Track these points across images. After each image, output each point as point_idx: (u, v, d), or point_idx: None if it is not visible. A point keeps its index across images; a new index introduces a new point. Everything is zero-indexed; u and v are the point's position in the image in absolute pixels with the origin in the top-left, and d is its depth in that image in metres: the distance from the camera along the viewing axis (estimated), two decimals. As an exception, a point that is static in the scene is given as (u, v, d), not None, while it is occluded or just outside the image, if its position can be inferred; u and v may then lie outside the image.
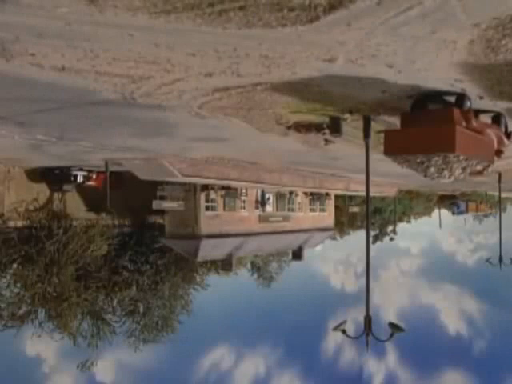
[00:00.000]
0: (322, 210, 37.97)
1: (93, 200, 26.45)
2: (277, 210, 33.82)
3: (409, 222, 70.14)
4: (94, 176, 24.89)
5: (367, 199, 9.26)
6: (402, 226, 67.79)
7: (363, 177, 8.88)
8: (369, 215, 9.52)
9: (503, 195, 22.69)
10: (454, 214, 69.34)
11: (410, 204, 60.52)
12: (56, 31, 4.96)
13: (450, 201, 65.50)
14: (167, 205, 26.75)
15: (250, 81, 6.67)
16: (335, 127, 9.18)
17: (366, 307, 8.61)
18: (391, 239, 65.38)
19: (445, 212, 72.25)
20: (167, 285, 30.16)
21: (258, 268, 41.74)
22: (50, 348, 31.65)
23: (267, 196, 32.72)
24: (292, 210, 35.03)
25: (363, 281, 8.87)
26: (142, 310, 29.32)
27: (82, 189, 25.96)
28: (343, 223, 48.85)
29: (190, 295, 32.72)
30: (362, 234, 43.42)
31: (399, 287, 75.09)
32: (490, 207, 74.75)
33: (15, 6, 4.39)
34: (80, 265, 24.97)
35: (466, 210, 69.60)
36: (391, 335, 8.59)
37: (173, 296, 31.14)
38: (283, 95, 7.41)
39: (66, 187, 24.78)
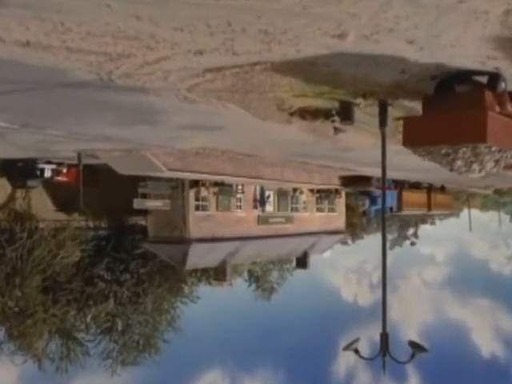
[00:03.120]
0: (331, 210, 38.04)
1: (63, 198, 26.47)
2: (278, 209, 33.86)
3: (433, 223, 70.32)
4: (65, 170, 24.87)
5: (383, 197, 9.33)
6: (424, 229, 68.06)
7: (379, 171, 8.93)
8: (385, 216, 9.57)
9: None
10: (365, 214, 42.44)
11: (434, 203, 60.60)
12: (20, 0, 4.98)
13: (358, 188, 36.88)
14: (151, 204, 26.79)
15: (246, 60, 6.70)
16: (346, 114, 9.23)
17: (382, 323, 8.66)
18: (412, 244, 65.61)
19: (475, 211, 71.47)
20: (150, 297, 30.20)
21: (257, 277, 41.80)
22: (11, 373, 31.54)
23: (267, 194, 32.75)
24: (296, 209, 35.09)
25: (379, 293, 8.93)
26: (120, 327, 29.35)
27: (50, 185, 25.96)
28: (356, 225, 48.92)
29: (178, 309, 32.79)
30: (377, 237, 43.51)
31: (422, 300, 75.27)
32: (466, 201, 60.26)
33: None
34: (47, 274, 24.97)
35: (399, 206, 39.55)
36: (412, 356, 8.65)
37: (157, 310, 31.19)
38: (286, 76, 7.45)
39: (30, 183, 24.75)
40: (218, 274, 31.72)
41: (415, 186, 40.52)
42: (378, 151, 8.81)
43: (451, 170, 7.82)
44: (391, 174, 27.29)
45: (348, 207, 41.21)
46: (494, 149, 7.28)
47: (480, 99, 7.09)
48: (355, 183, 33.98)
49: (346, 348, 8.90)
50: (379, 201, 35.08)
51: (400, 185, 38.28)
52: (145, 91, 8.35)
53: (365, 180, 32.93)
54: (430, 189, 42.75)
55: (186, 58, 6.62)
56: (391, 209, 37.91)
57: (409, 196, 40.07)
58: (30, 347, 24.89)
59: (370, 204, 37.83)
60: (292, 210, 34.93)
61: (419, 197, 42.26)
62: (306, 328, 50.06)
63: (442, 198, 45.39)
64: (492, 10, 5.20)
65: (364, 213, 41.72)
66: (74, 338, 27.60)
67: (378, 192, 34.67)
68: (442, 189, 45.07)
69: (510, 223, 79.64)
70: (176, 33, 5.77)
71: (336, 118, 9.77)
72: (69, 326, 27.33)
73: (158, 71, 7.24)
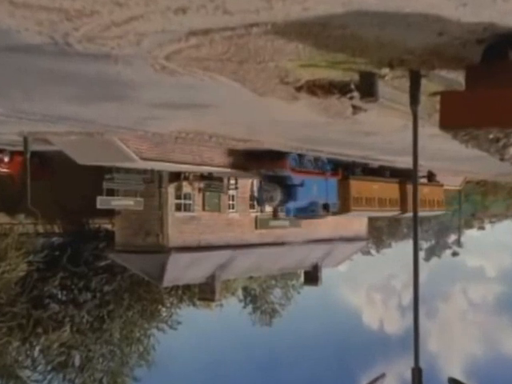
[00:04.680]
0: (350, 211, 38.13)
1: (5, 195, 26.55)
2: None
3: (482, 228, 70.45)
4: (7, 159, 24.96)
5: (415, 194, 9.38)
6: (470, 235, 68.15)
7: (409, 160, 9.01)
8: (417, 218, 9.62)
9: None
10: (276, 216, 33.21)
11: (483, 202, 60.63)
12: None
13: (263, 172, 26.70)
14: (119, 203, 26.86)
15: (241, 20, 6.76)
16: (368, 88, 9.29)
17: (414, 355, 8.75)
18: (454, 254, 65.76)
19: None
20: (118, 323, 30.32)
21: (255, 297, 41.96)
22: None
23: (268, 190, 32.79)
24: (304, 210, 35.16)
25: (410, 317, 9.02)
26: (78, 361, 29.46)
27: (-13, 178, 26.08)
28: (381, 230, 49.07)
29: (152, 338, 32.91)
30: (409, 246, 43.66)
31: (467, 327, 75.53)
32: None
33: None
34: (-16, 294, 25.09)
35: (343, 205, 29.24)
36: (452, 397, 8.75)
37: (126, 340, 31.31)
38: (290, 42, 7.51)
39: (-39, 176, 24.91)
40: (204, 292, 31.81)
41: (377, 172, 30.18)
42: (408, 135, 8.88)
43: (502, 159, 7.87)
44: (422, 164, 26.57)
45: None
46: (556, 133, 7.36)
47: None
48: (259, 164, 25.54)
49: (368, 386, 8.99)
50: (300, 193, 27.54)
51: (344, 169, 28.83)
52: (112, 59, 8.39)
53: (274, 158, 24.73)
54: (405, 177, 30.62)
55: (164, 18, 6.68)
56: (326, 207, 28.78)
57: (362, 188, 29.72)
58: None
59: (285, 198, 27.49)
60: (299, 210, 35.03)
61: (384, 189, 31.04)
62: (317, 361, 50.22)
63: (426, 193, 34.42)
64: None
65: (274, 212, 32.93)
66: (16, 376, 27.66)
67: (298, 178, 26.94)
68: (430, 178, 35.19)
69: None
70: (152, -15, 5.84)
71: (355, 94, 9.83)
72: (10, 362, 27.37)
73: (128, 34, 7.29)
